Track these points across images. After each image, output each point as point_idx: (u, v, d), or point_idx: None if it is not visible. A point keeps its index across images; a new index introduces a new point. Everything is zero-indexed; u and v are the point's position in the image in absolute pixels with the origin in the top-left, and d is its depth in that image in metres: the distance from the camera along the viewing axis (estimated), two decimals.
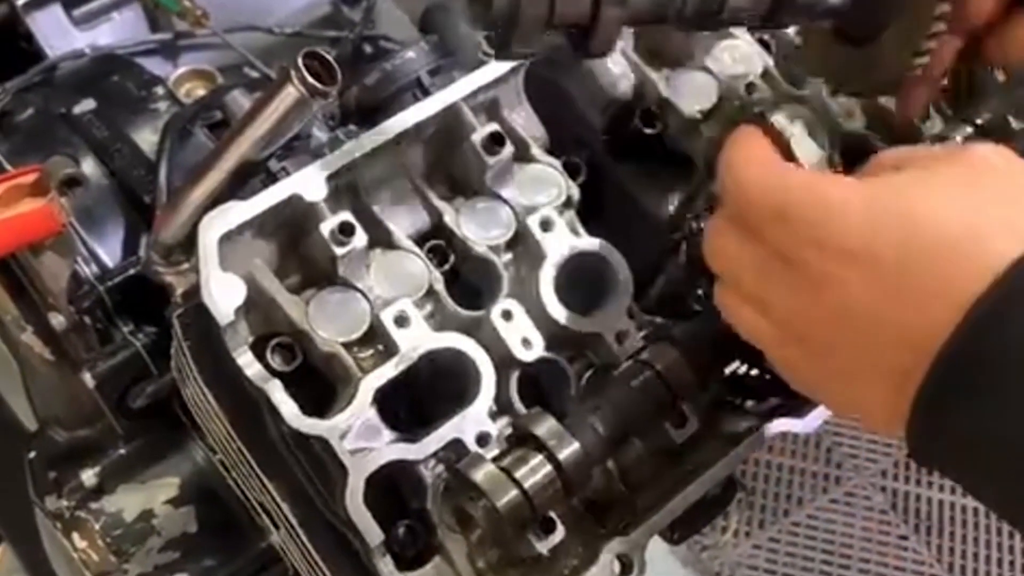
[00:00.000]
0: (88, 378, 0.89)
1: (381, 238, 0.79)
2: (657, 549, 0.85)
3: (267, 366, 0.73)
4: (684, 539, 0.86)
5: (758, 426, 0.83)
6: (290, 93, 0.69)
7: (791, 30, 0.90)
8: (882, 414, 0.62)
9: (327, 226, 0.75)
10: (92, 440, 0.95)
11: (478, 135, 0.81)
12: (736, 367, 0.85)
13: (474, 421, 0.75)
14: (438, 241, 0.81)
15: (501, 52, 0.64)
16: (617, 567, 0.76)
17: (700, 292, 0.85)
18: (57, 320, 0.91)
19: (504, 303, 0.79)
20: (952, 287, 0.57)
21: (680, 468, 0.81)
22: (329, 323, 0.75)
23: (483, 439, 0.75)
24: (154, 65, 1.09)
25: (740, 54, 0.88)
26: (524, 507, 0.70)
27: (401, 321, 0.76)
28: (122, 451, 0.93)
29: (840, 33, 0.75)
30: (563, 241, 0.81)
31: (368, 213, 0.79)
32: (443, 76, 0.94)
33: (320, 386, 0.77)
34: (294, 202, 0.75)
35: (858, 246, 0.60)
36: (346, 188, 0.78)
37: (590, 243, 0.82)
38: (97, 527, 0.90)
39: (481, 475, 0.71)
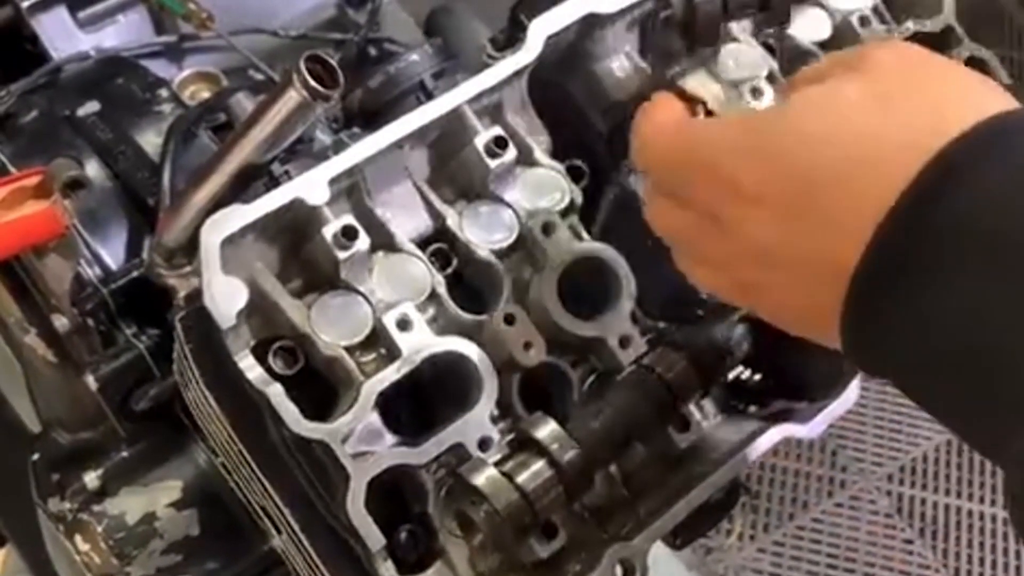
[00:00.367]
0: (91, 380, 0.89)
1: (384, 241, 0.79)
2: (661, 552, 0.85)
3: (269, 370, 0.73)
4: (687, 544, 0.86)
5: (762, 431, 0.83)
6: (292, 97, 0.69)
7: (796, 34, 0.90)
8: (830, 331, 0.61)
9: (330, 230, 0.75)
10: (95, 442, 0.95)
11: (481, 139, 0.81)
12: (739, 372, 0.85)
13: (476, 425, 0.75)
14: (441, 245, 0.81)
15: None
16: (619, 572, 0.76)
17: (703, 296, 0.85)
18: (60, 322, 0.91)
19: (506, 307, 0.79)
20: (867, 196, 0.56)
21: (683, 473, 0.81)
22: (331, 327, 0.75)
23: (485, 443, 0.75)
24: (159, 67, 1.09)
25: (746, 59, 0.88)
26: (526, 512, 0.70)
27: (403, 325, 0.75)
28: (125, 454, 0.93)
29: None
30: (566, 245, 0.81)
31: (371, 216, 0.79)
32: (447, 79, 0.94)
33: (322, 389, 0.77)
34: (296, 206, 0.75)
35: (756, 183, 0.60)
36: (349, 191, 0.78)
37: (593, 247, 0.82)
38: (99, 529, 0.90)
39: (483, 479, 0.71)
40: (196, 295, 0.74)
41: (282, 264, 0.77)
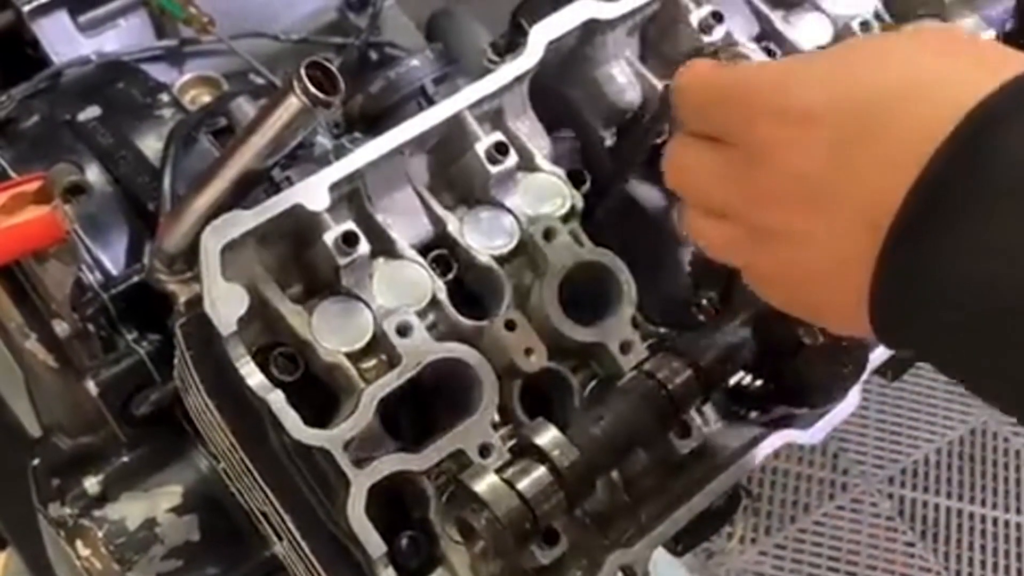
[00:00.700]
0: (91, 386, 0.89)
1: (384, 247, 0.79)
2: (662, 556, 0.85)
3: (269, 376, 0.73)
4: (688, 550, 0.86)
5: (763, 437, 0.83)
6: (292, 103, 0.69)
7: (796, 40, 0.89)
8: (855, 296, 0.56)
9: (330, 236, 0.75)
10: (95, 447, 0.94)
11: (482, 144, 0.80)
12: (741, 377, 0.85)
13: (477, 432, 0.75)
14: (441, 250, 0.81)
15: None
16: None
17: (704, 302, 0.85)
18: (60, 327, 0.91)
19: (507, 313, 0.79)
20: (924, 124, 0.53)
21: (684, 479, 0.81)
22: (332, 333, 0.75)
23: (485, 450, 0.75)
24: (160, 71, 1.09)
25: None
26: (527, 518, 0.70)
27: (404, 331, 0.75)
28: (125, 459, 0.92)
29: None
30: (567, 251, 0.81)
31: (371, 222, 0.79)
32: (447, 84, 0.94)
33: (323, 395, 0.77)
34: (297, 212, 0.75)
35: (821, 101, 0.57)
36: (349, 197, 0.78)
37: (594, 253, 0.82)
38: (100, 535, 0.89)
39: (483, 486, 0.70)
40: (197, 301, 0.74)
41: (283, 270, 0.77)
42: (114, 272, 0.91)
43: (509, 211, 0.82)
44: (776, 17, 0.91)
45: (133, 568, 0.89)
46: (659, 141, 0.85)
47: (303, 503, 0.74)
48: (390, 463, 0.72)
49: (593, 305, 0.82)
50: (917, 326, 0.55)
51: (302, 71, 0.68)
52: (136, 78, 1.04)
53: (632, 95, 0.88)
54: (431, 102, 0.92)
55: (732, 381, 0.84)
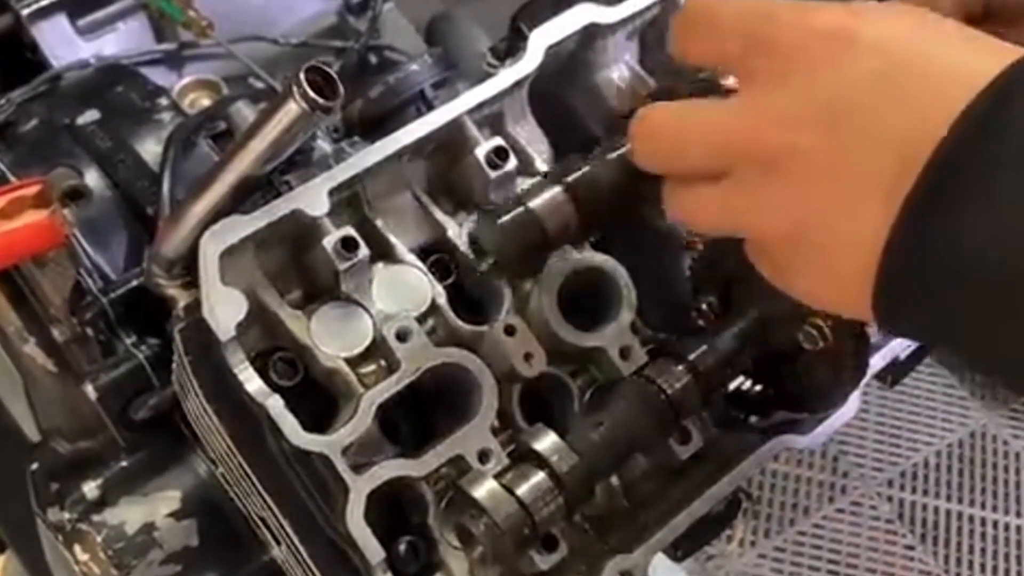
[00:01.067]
0: (90, 390, 0.89)
1: (384, 252, 0.79)
2: (662, 559, 0.85)
3: (268, 381, 0.73)
4: (688, 556, 0.86)
5: (763, 442, 0.82)
6: (292, 108, 0.69)
7: None
8: (863, 258, 0.52)
9: (329, 241, 0.75)
10: (94, 452, 0.94)
11: (482, 149, 0.80)
12: (740, 383, 0.85)
13: (476, 437, 0.75)
14: (441, 255, 0.81)
15: None
16: None
17: (704, 307, 0.84)
18: (59, 332, 0.91)
19: (507, 318, 0.78)
20: (957, 82, 0.50)
21: (684, 484, 0.81)
22: (331, 338, 0.75)
23: (485, 455, 0.75)
24: (159, 75, 1.09)
25: None
26: (526, 524, 0.70)
27: (403, 336, 0.75)
28: (124, 463, 0.92)
29: None
30: (566, 255, 0.81)
31: (371, 227, 0.79)
32: (447, 89, 0.94)
33: (322, 401, 0.77)
34: (296, 217, 0.75)
35: (873, 29, 0.53)
36: (348, 202, 0.78)
37: (594, 258, 0.82)
38: (99, 540, 0.89)
39: (482, 492, 0.70)
40: (195, 306, 0.74)
41: (282, 274, 0.77)
42: (113, 276, 0.91)
43: None
44: None
45: (132, 573, 0.89)
46: None
47: (302, 508, 0.74)
48: (389, 469, 0.72)
49: (593, 310, 0.81)
50: (928, 292, 0.52)
51: (301, 76, 0.68)
52: (135, 82, 1.04)
53: (632, 99, 0.87)
54: (430, 107, 0.91)
55: (732, 386, 0.84)
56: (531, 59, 0.82)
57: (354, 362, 0.75)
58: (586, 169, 0.72)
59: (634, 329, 0.82)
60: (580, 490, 0.72)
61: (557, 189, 0.71)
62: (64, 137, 0.98)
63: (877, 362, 0.89)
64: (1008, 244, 0.49)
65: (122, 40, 1.13)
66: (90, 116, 0.99)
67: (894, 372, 0.93)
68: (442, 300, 0.79)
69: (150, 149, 0.97)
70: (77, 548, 0.90)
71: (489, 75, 0.84)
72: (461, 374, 0.76)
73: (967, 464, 2.39)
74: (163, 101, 1.02)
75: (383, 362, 0.76)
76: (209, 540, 0.91)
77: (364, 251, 0.76)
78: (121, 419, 0.90)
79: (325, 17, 1.18)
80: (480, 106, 0.81)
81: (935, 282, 0.51)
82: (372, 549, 0.71)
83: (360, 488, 0.71)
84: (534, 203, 0.70)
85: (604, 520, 0.80)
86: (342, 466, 0.71)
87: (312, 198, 0.75)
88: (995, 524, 2.32)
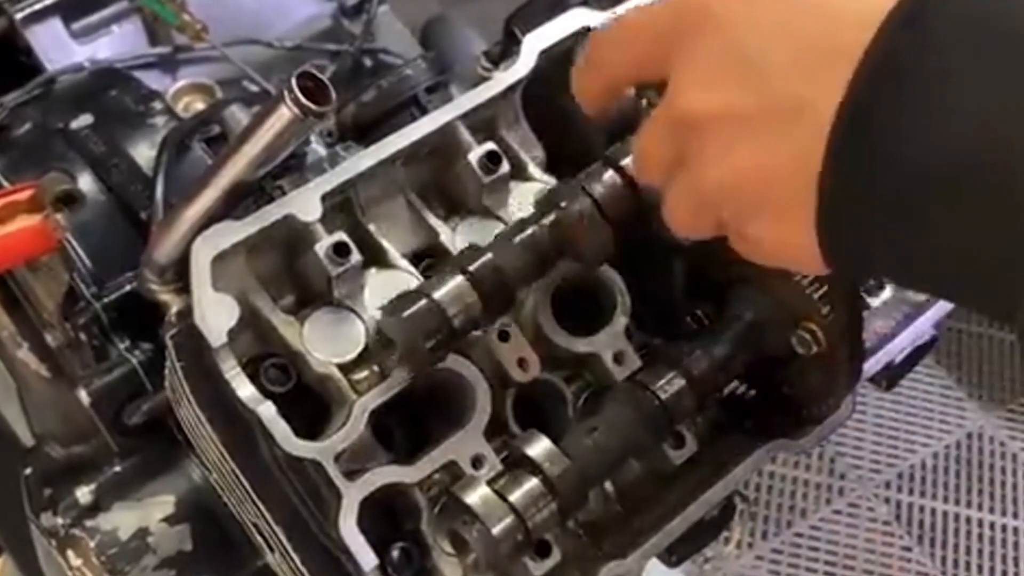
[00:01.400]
0: (83, 395, 0.89)
1: (376, 257, 0.78)
2: (656, 565, 0.85)
3: (260, 387, 0.73)
4: (682, 561, 0.86)
5: (757, 447, 0.82)
6: (284, 114, 0.68)
7: None
8: (803, 193, 0.53)
9: (322, 246, 0.75)
10: (88, 457, 0.94)
11: (475, 154, 0.80)
12: (734, 387, 0.85)
13: (469, 443, 0.75)
14: (434, 260, 0.81)
15: None
16: None
17: (698, 312, 0.84)
18: (53, 337, 0.91)
19: (501, 323, 0.78)
20: (857, 11, 0.52)
21: (678, 489, 0.81)
22: (323, 344, 0.75)
23: (478, 461, 0.74)
24: (153, 79, 1.09)
25: None
26: (519, 531, 0.70)
27: None
28: (117, 468, 0.92)
29: None
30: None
31: (363, 232, 0.79)
32: (441, 93, 0.93)
33: (314, 406, 0.76)
34: (289, 222, 0.74)
35: None
36: (341, 207, 0.78)
37: None
38: (92, 545, 0.89)
39: (475, 498, 0.70)
40: (188, 311, 0.74)
41: (274, 280, 0.77)
42: (106, 281, 0.91)
43: (502, 220, 0.81)
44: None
45: None
46: None
47: (294, 515, 0.74)
48: (382, 475, 0.72)
49: (587, 315, 0.81)
50: (870, 208, 0.53)
51: (293, 82, 0.68)
52: (129, 85, 1.04)
53: (627, 103, 0.87)
54: (424, 111, 0.91)
55: (726, 391, 0.84)
56: (525, 63, 0.82)
57: (347, 368, 0.75)
58: (488, 257, 0.72)
59: (628, 334, 0.81)
60: (574, 496, 0.72)
61: (460, 279, 0.71)
62: (58, 141, 0.98)
63: (872, 366, 0.89)
64: (933, 152, 0.49)
65: (116, 44, 1.13)
66: (84, 120, 0.99)
67: (889, 376, 0.93)
68: None
69: (144, 153, 0.97)
70: (70, 553, 0.90)
71: (483, 79, 0.84)
72: (455, 380, 0.76)
73: (964, 466, 2.39)
74: (157, 105, 1.02)
75: (376, 368, 0.75)
76: (203, 545, 0.91)
77: (357, 256, 0.75)
78: (114, 424, 0.90)
79: (320, 20, 1.18)
80: (473, 111, 0.81)
81: (869, 198, 0.52)
82: (365, 556, 0.70)
83: (353, 495, 0.71)
84: (437, 294, 0.71)
85: (598, 526, 0.80)
86: (335, 473, 0.71)
87: (305, 203, 0.75)
88: (992, 525, 2.32)
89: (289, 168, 0.84)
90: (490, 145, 0.81)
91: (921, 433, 2.43)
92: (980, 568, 2.27)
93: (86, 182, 0.94)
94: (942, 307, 0.95)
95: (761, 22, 0.55)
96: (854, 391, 0.83)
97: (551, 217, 0.74)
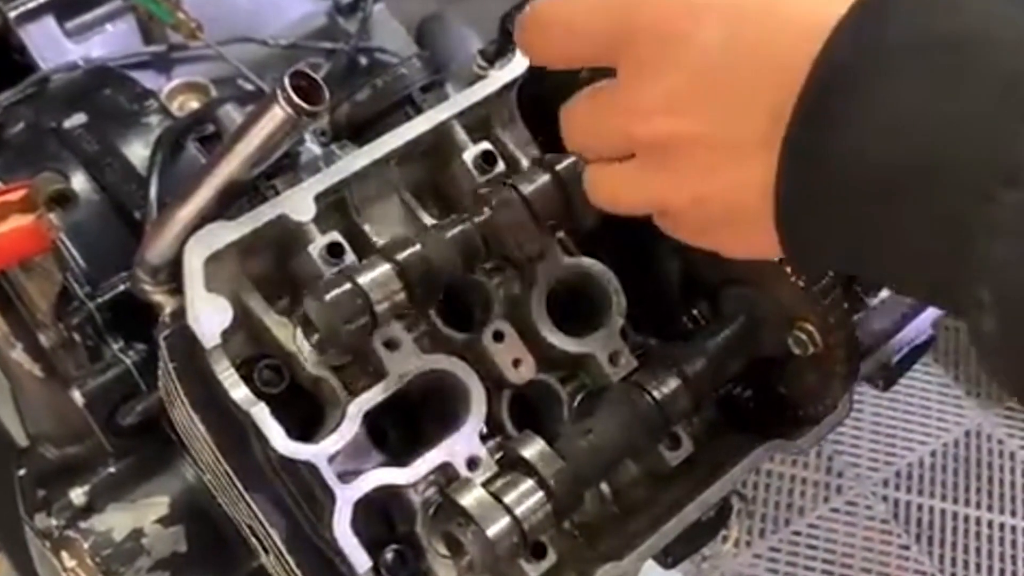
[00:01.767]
0: (77, 396, 0.88)
1: (366, 255, 0.78)
2: (652, 566, 0.85)
3: (254, 388, 0.73)
4: (678, 562, 0.85)
5: (753, 447, 0.82)
6: (277, 113, 0.68)
7: None
8: (763, 198, 0.55)
9: (315, 247, 0.74)
10: (82, 458, 0.94)
11: (470, 153, 0.80)
12: (730, 388, 0.84)
13: (464, 444, 0.74)
14: None
15: None
16: None
17: (694, 312, 0.84)
18: (46, 337, 0.90)
19: (495, 324, 0.78)
20: (811, 18, 0.53)
21: (674, 490, 0.81)
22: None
23: (473, 463, 0.74)
24: (147, 78, 1.08)
25: None
26: (514, 533, 0.70)
27: (391, 344, 0.75)
28: (112, 469, 0.92)
29: None
30: (556, 261, 0.80)
31: (357, 232, 0.78)
32: (436, 92, 0.93)
33: (308, 406, 0.76)
34: (282, 222, 0.74)
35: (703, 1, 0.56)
36: (335, 207, 0.78)
37: (583, 263, 0.81)
38: (86, 546, 0.89)
39: (470, 500, 0.70)
40: (181, 312, 0.74)
41: (268, 280, 0.77)
42: (100, 281, 0.91)
43: None
44: None
45: None
46: None
47: (288, 517, 0.74)
48: (376, 477, 0.72)
49: (582, 316, 0.81)
50: (822, 209, 0.54)
51: (286, 81, 0.67)
52: (123, 84, 1.04)
53: None
54: (419, 110, 0.91)
55: (722, 391, 0.84)
56: (520, 62, 0.82)
57: (341, 370, 0.75)
58: (417, 248, 0.72)
59: (623, 335, 0.81)
60: (569, 497, 0.72)
61: (386, 267, 0.71)
62: (51, 140, 0.97)
63: (869, 366, 0.88)
64: (878, 157, 0.51)
65: (110, 42, 1.12)
66: (77, 119, 0.98)
67: (886, 376, 0.93)
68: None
69: (138, 152, 0.97)
70: (64, 555, 0.89)
71: (479, 78, 0.84)
72: (449, 381, 0.76)
73: (962, 464, 2.39)
74: (151, 104, 1.01)
75: (370, 369, 0.75)
76: (197, 546, 0.90)
77: (351, 257, 0.75)
78: (108, 425, 0.90)
79: (315, 18, 1.18)
80: (468, 110, 0.81)
81: (820, 202, 0.54)
82: (359, 558, 0.70)
83: (347, 497, 0.70)
84: (362, 279, 0.70)
85: (594, 527, 0.79)
86: (328, 474, 0.70)
87: (298, 203, 0.74)
88: (990, 524, 2.31)
89: (283, 167, 0.84)
90: (485, 145, 0.80)
91: (919, 431, 2.42)
92: (978, 566, 2.26)
93: (80, 182, 0.94)
94: None
95: (710, 41, 0.56)
96: (851, 391, 0.83)
97: (482, 215, 0.74)
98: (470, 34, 1.18)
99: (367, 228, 0.79)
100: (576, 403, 0.81)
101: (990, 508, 2.33)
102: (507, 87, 0.82)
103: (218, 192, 0.74)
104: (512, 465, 0.72)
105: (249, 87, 1.08)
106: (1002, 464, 2.40)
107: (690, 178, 0.59)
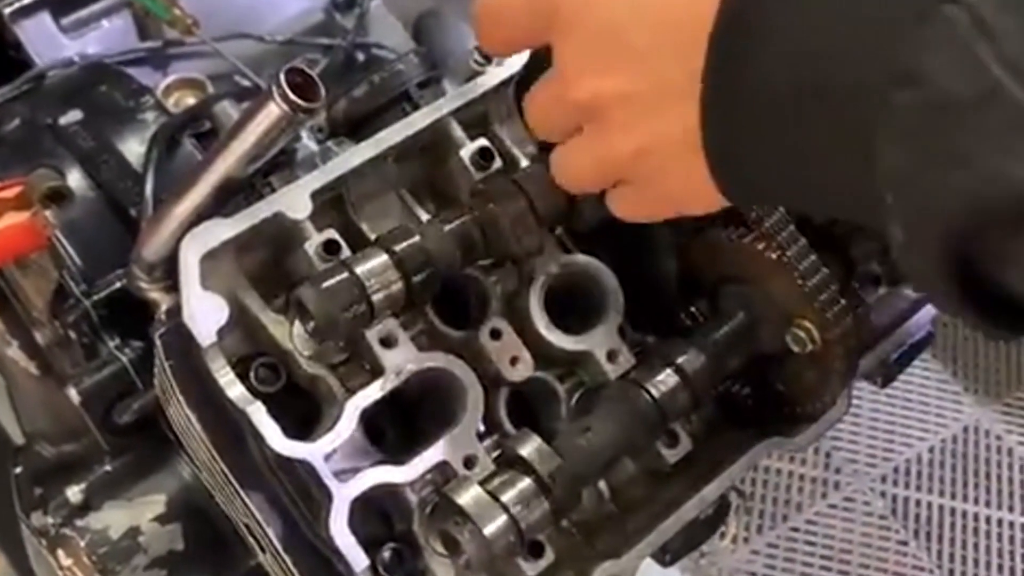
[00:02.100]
0: (73, 393, 0.88)
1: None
2: (650, 564, 0.84)
3: (250, 387, 0.72)
4: (677, 560, 0.85)
5: (751, 444, 0.82)
6: (272, 110, 0.68)
7: None
8: (692, 141, 0.58)
9: (312, 244, 0.74)
10: (78, 456, 0.93)
11: (467, 150, 0.79)
12: (729, 385, 0.84)
13: (461, 443, 0.74)
14: None
15: None
16: None
17: (693, 310, 0.84)
18: (42, 335, 0.90)
19: (493, 321, 0.78)
20: None
21: (672, 488, 0.80)
22: (314, 343, 0.74)
23: (470, 461, 0.74)
24: (144, 74, 1.08)
25: None
26: (511, 531, 0.69)
27: (387, 341, 0.74)
28: (108, 467, 0.91)
29: None
30: (553, 258, 0.80)
31: (354, 229, 0.78)
32: (433, 88, 0.93)
33: (305, 405, 0.76)
34: (278, 219, 0.74)
35: None
36: (332, 204, 0.77)
37: (581, 260, 0.81)
38: (82, 544, 0.88)
39: (467, 499, 0.70)
40: (177, 310, 0.73)
41: (264, 278, 0.76)
42: (96, 278, 0.90)
43: None
44: None
45: None
46: None
47: (285, 515, 0.74)
48: (373, 476, 0.71)
49: (580, 313, 0.81)
50: (744, 140, 0.57)
51: (282, 77, 0.67)
52: (119, 81, 1.03)
53: None
54: (416, 106, 0.90)
55: (720, 389, 0.84)
56: (517, 58, 0.81)
57: (337, 368, 0.74)
58: (415, 239, 0.72)
59: (621, 332, 0.81)
60: (567, 496, 0.72)
61: (384, 257, 0.71)
62: (47, 137, 0.97)
63: (868, 363, 0.88)
64: (790, 79, 0.53)
65: (106, 38, 1.12)
66: (73, 116, 0.98)
67: (884, 373, 0.93)
68: (427, 304, 0.78)
69: (134, 149, 0.96)
70: (61, 553, 0.89)
71: (476, 74, 0.83)
72: (446, 379, 0.75)
73: (960, 460, 2.39)
74: (147, 100, 1.01)
75: (367, 367, 0.75)
76: (194, 544, 0.90)
77: (347, 254, 0.75)
78: (105, 423, 0.89)
79: (312, 14, 1.17)
80: (466, 106, 0.80)
81: (742, 132, 0.57)
82: (356, 557, 0.70)
83: (343, 495, 0.70)
84: (359, 268, 0.70)
85: (592, 525, 0.79)
86: (325, 473, 0.70)
87: (294, 200, 0.74)
88: (988, 519, 2.31)
89: (279, 164, 0.83)
90: (482, 141, 0.80)
91: (917, 427, 2.42)
92: (976, 562, 2.27)
93: (75, 178, 0.94)
94: None
95: (619, 6, 0.60)
96: (849, 388, 0.83)
97: (482, 209, 0.75)
98: (467, 30, 1.18)
99: (364, 225, 0.78)
100: (574, 401, 0.80)
101: (988, 504, 2.34)
102: (504, 83, 0.81)
103: (214, 189, 0.74)
104: (510, 463, 0.72)
105: (246, 83, 1.07)
106: (1000, 460, 2.40)
107: (626, 133, 0.62)
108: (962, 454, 2.40)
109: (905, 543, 2.27)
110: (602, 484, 0.80)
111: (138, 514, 0.90)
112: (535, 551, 0.74)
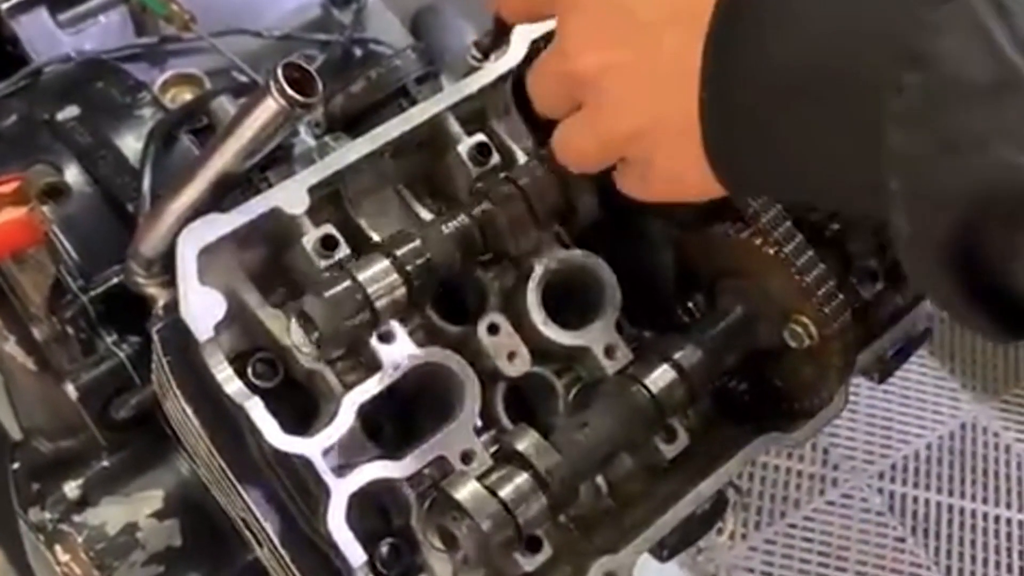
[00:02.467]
0: (71, 389, 0.88)
1: (365, 250, 0.78)
2: (648, 559, 0.84)
3: (248, 382, 0.72)
4: (674, 555, 0.85)
5: (749, 440, 0.82)
6: (270, 105, 0.68)
7: None
8: (691, 122, 0.58)
9: (309, 239, 0.74)
10: (76, 451, 0.93)
11: (464, 145, 0.79)
12: (726, 381, 0.84)
13: (459, 438, 0.74)
14: None
15: None
16: None
17: (690, 305, 0.84)
18: (39, 330, 0.90)
19: (490, 317, 0.78)
20: None
21: (670, 483, 0.80)
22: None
23: (467, 456, 0.74)
24: (141, 70, 1.08)
25: None
26: (509, 526, 0.69)
27: (385, 336, 0.74)
28: (106, 463, 0.91)
29: None
30: (551, 254, 0.80)
31: (352, 224, 0.78)
32: (431, 83, 0.93)
33: (302, 400, 0.76)
34: (276, 215, 0.74)
35: None
36: (329, 199, 0.77)
37: (578, 255, 0.81)
38: (80, 540, 0.88)
39: (465, 494, 0.69)
40: (174, 305, 0.73)
41: (262, 273, 0.76)
42: (93, 274, 0.90)
43: None
44: None
45: (113, 574, 0.88)
46: None
47: (283, 511, 0.73)
48: (371, 471, 0.71)
49: (578, 308, 0.81)
50: (742, 122, 0.56)
51: (279, 72, 0.67)
52: (116, 76, 1.03)
53: None
54: (413, 102, 0.91)
55: (717, 384, 0.84)
56: (515, 53, 0.81)
57: (335, 363, 0.74)
58: (416, 243, 0.72)
59: (619, 327, 0.81)
60: (564, 491, 0.72)
61: (385, 263, 0.71)
62: (44, 133, 0.97)
63: (865, 359, 0.88)
64: (790, 66, 0.53)
65: (103, 34, 1.12)
66: (70, 111, 0.98)
67: (881, 369, 0.93)
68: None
69: (131, 145, 0.96)
70: (58, 549, 0.89)
71: (474, 69, 0.83)
72: (444, 374, 0.75)
73: (958, 456, 2.39)
74: (144, 96, 1.01)
75: (365, 362, 0.75)
76: (192, 540, 0.90)
77: (345, 250, 0.75)
78: (102, 418, 0.89)
79: (309, 10, 1.17)
80: (463, 101, 0.80)
81: (740, 115, 0.56)
82: (353, 552, 0.70)
83: (341, 490, 0.70)
84: (362, 276, 0.70)
85: (589, 520, 0.79)
86: (323, 468, 0.70)
87: (291, 196, 0.74)
88: (986, 516, 2.32)
89: (277, 159, 0.83)
90: (480, 137, 0.80)
91: (915, 424, 2.42)
92: (973, 558, 2.27)
93: (72, 174, 0.94)
94: None
95: None
96: (847, 384, 0.83)
97: (481, 210, 0.75)
98: (465, 25, 1.18)
99: (361, 221, 0.78)
100: (571, 396, 0.80)
101: (985, 500, 2.34)
102: (502, 78, 0.81)
103: (211, 184, 0.74)
104: (507, 458, 0.72)
105: (243, 79, 1.07)
106: (997, 457, 2.40)
107: (626, 107, 0.62)
108: (959, 451, 2.40)
109: (903, 539, 2.27)
110: (599, 479, 0.80)
111: (136, 510, 0.90)
112: (532, 546, 0.74)
